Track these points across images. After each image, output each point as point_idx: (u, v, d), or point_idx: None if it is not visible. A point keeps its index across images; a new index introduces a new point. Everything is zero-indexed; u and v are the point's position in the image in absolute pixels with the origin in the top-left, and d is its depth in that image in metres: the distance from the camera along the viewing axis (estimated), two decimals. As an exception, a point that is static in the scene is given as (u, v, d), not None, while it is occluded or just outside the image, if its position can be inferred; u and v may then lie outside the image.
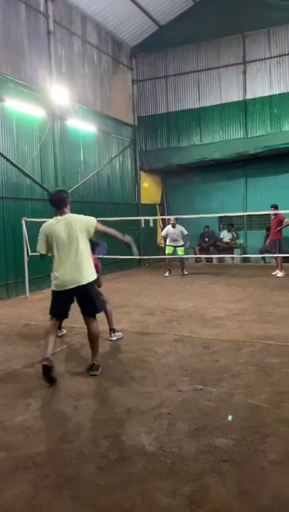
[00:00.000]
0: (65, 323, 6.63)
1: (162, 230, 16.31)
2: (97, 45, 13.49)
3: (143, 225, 15.30)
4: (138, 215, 14.89)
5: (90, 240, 5.00)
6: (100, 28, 13.54)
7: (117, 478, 2.96)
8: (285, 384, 4.42)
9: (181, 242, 12.64)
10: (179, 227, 12.56)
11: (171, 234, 12.58)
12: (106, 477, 2.98)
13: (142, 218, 14.61)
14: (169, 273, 12.71)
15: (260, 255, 14.09)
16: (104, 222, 10.79)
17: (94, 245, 5.43)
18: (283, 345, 5.69)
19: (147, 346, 5.89)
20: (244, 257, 14.72)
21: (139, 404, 4.05)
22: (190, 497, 2.72)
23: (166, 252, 12.79)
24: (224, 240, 15.31)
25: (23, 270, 9.87)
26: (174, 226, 12.50)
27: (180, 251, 12.66)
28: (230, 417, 3.71)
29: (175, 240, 12.59)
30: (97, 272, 5.22)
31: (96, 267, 5.30)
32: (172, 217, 12.68)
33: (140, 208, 15.43)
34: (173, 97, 15.27)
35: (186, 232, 12.63)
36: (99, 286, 5.89)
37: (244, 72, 14.20)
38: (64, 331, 6.56)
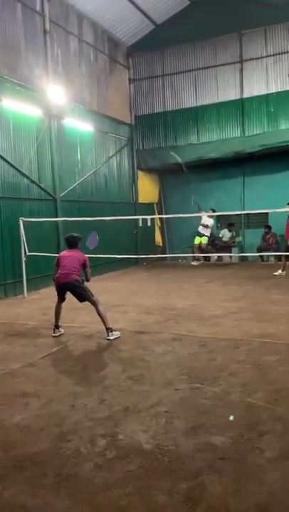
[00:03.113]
0: (62, 322, 6.67)
1: (160, 229, 16.37)
2: (93, 44, 13.48)
3: (140, 224, 15.32)
4: (135, 214, 14.90)
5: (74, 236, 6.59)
6: (96, 27, 13.53)
7: (114, 476, 2.98)
8: (282, 382, 4.45)
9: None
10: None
11: (207, 224, 14.11)
12: (103, 475, 3.00)
13: (140, 217, 14.62)
14: (198, 261, 14.23)
15: (258, 254, 14.11)
16: (101, 222, 10.86)
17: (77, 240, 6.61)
18: (280, 344, 5.72)
19: (145, 345, 5.91)
20: (242, 256, 14.75)
21: (136, 403, 4.07)
22: (187, 495, 2.75)
23: (196, 242, 14.27)
24: (223, 239, 15.31)
25: (21, 270, 9.88)
26: (211, 217, 13.86)
27: (204, 240, 14.23)
28: (232, 417, 3.72)
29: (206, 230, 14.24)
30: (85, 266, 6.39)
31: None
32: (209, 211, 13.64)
33: (137, 207, 15.44)
34: (170, 95, 15.26)
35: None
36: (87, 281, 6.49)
37: (241, 71, 14.20)
38: (62, 331, 6.58)
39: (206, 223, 14.10)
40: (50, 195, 11.44)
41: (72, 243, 6.59)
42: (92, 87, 13.49)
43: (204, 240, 14.24)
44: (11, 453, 3.32)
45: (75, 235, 6.66)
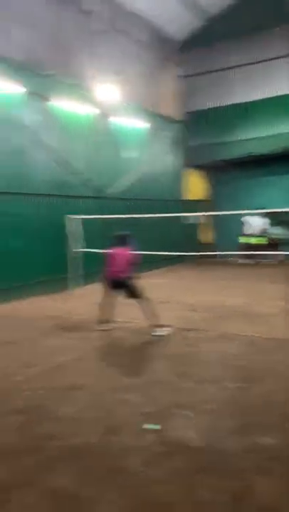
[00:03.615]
0: (110, 318, 6.76)
1: (208, 227, 16.26)
2: (145, 42, 13.55)
3: (189, 221, 15.25)
4: (183, 212, 14.83)
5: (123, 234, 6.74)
6: (147, 25, 13.58)
7: (160, 472, 3.01)
8: None
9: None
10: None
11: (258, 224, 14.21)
12: (150, 470, 3.03)
13: (188, 215, 14.53)
14: (248, 259, 13.97)
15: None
16: (148, 219, 10.87)
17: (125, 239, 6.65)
18: None
19: (191, 342, 5.89)
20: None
21: (183, 400, 4.08)
22: (234, 494, 2.73)
23: (246, 241, 14.29)
24: (274, 236, 14.89)
25: (69, 266, 10.11)
26: (262, 217, 14.03)
27: (258, 240, 14.28)
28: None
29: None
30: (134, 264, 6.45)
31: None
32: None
33: (186, 205, 15.36)
34: (220, 91, 15.07)
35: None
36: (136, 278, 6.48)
37: (293, 65, 13.79)
38: (110, 326, 6.68)
39: (256, 223, 14.02)
40: (98, 192, 11.62)
41: (121, 241, 6.70)
42: (143, 84, 13.55)
43: (258, 240, 14.13)
44: (63, 443, 3.42)
45: (125, 232, 6.75)
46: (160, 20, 13.81)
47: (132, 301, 6.58)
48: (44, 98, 9.90)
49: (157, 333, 6.23)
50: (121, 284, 6.43)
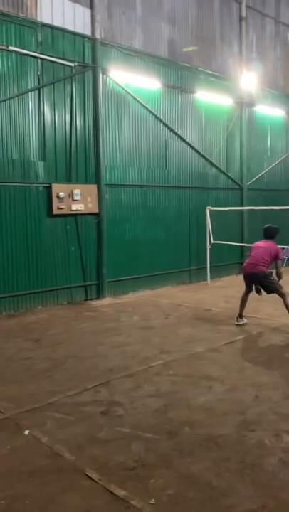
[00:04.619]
0: (246, 312, 6.64)
1: None
2: (289, 24, 12.82)
3: None
4: None
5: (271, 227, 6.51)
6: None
7: (300, 476, 2.88)
8: None
9: None
10: None
11: None
12: (288, 472, 2.91)
13: None
14: None
15: None
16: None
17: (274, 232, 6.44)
18: None
19: None
20: None
21: None
22: None
23: None
24: None
25: (205, 258, 10.17)
26: None
27: None
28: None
29: None
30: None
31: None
32: None
33: None
34: None
35: None
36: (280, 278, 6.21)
37: None
38: (245, 321, 6.57)
39: None
40: (237, 184, 11.42)
41: (268, 234, 6.44)
42: (287, 69, 12.88)
43: None
44: (197, 431, 3.48)
45: (274, 226, 6.49)
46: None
47: (269, 296, 6.38)
48: (185, 90, 10.02)
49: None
50: (256, 278, 6.24)
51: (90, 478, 2.88)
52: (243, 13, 11.19)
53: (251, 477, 2.88)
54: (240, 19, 11.19)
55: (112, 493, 2.73)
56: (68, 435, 3.45)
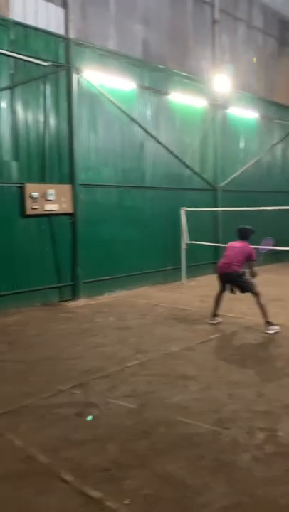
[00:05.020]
0: (220, 312, 6.71)
1: None
2: (262, 28, 13.04)
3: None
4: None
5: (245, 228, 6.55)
6: (266, 10, 13.04)
7: (273, 472, 2.92)
8: None
9: None
10: None
11: None
12: (262, 470, 2.96)
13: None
14: None
15: None
16: (261, 212, 10.52)
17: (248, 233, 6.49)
18: None
19: (307, 343, 5.60)
20: None
21: (297, 402, 3.91)
22: None
23: None
24: None
25: (181, 258, 10.23)
26: None
27: None
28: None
29: None
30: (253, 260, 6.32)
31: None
32: None
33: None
34: None
35: None
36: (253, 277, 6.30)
37: None
38: (219, 320, 6.63)
39: None
40: (211, 185, 11.53)
41: (242, 235, 6.50)
42: (259, 72, 13.10)
43: None
44: (172, 430, 3.49)
45: (248, 227, 6.56)
46: (280, 2, 13.15)
47: (243, 295, 6.46)
48: (159, 92, 10.06)
49: (270, 331, 6.03)
50: (230, 278, 6.32)
51: (65, 480, 2.86)
52: (216, 16, 11.31)
53: (226, 475, 2.91)
54: (213, 22, 11.32)
55: (86, 494, 2.71)
56: (42, 438, 3.42)
